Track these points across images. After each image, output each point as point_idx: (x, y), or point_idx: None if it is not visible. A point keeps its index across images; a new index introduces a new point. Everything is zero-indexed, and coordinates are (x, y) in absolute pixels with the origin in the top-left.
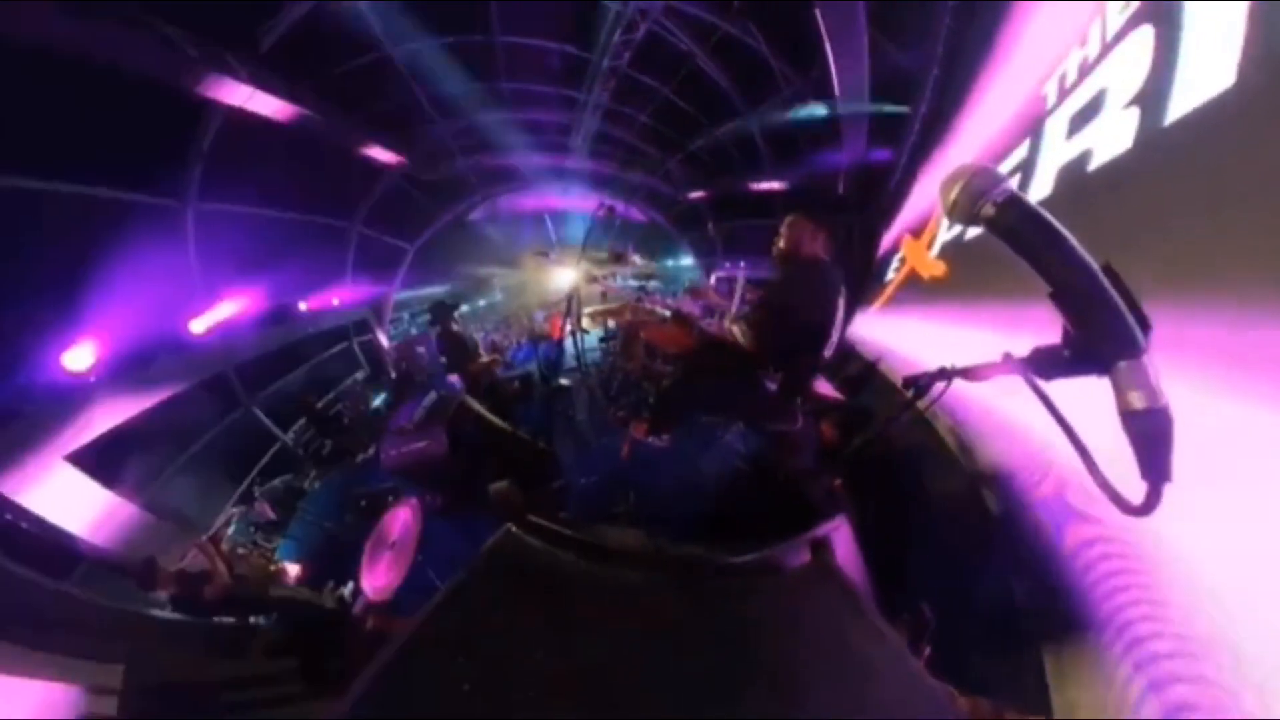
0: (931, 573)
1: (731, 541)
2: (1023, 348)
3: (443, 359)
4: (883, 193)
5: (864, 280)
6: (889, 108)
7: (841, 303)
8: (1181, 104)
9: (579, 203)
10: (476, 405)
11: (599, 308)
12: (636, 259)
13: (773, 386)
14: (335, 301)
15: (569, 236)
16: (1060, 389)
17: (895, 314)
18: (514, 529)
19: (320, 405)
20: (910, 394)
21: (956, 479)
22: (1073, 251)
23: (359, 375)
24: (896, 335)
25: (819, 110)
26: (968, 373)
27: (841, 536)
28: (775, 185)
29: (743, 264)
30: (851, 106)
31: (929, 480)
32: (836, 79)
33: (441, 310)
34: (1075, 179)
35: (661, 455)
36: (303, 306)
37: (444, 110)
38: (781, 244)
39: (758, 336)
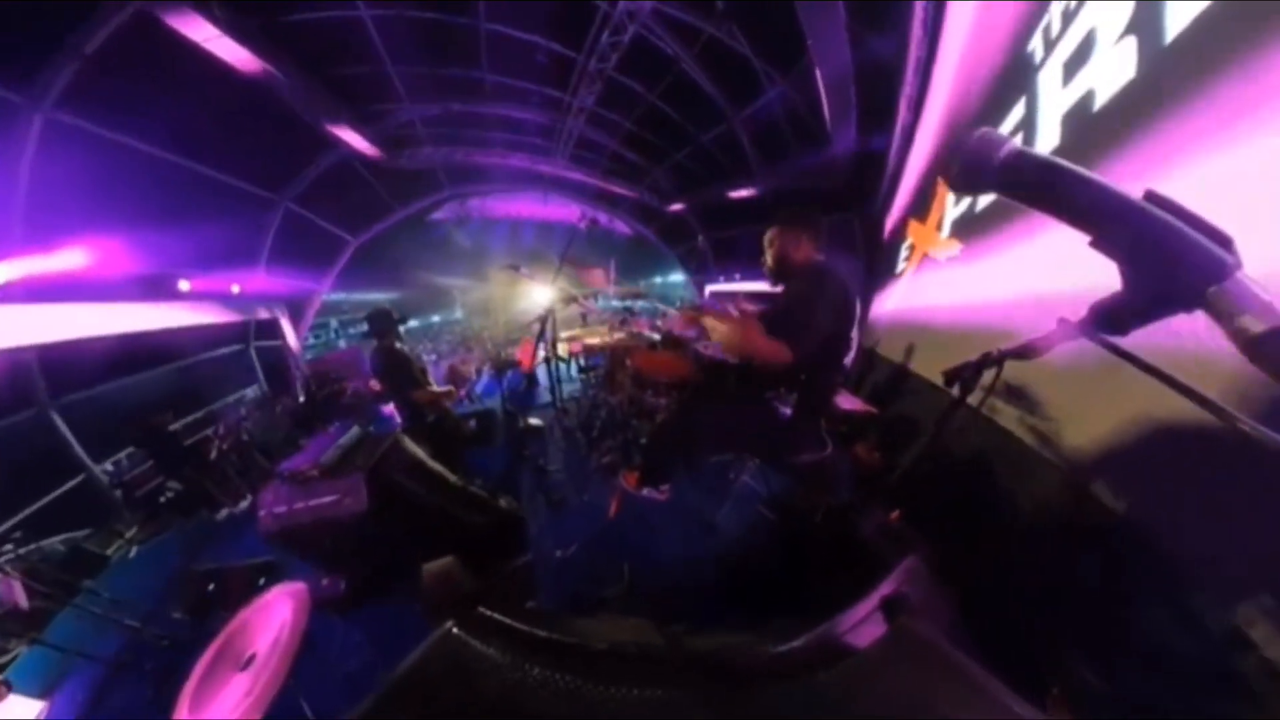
0: (1059, 618)
1: (772, 621)
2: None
3: (377, 383)
4: (880, 181)
5: (875, 274)
6: (875, 94)
7: (855, 303)
8: (1180, 18)
9: (558, 212)
10: (415, 448)
11: (578, 332)
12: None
13: (788, 411)
14: (235, 289)
15: (546, 249)
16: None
17: (909, 301)
18: (456, 629)
19: (174, 427)
20: (956, 390)
21: (1049, 480)
22: (1103, 190)
23: (250, 392)
24: (920, 326)
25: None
26: (1020, 351)
27: (919, 587)
28: (767, 189)
29: (738, 275)
30: (837, 98)
31: (1014, 491)
32: (820, 73)
33: (384, 321)
34: (1083, 121)
35: (662, 511)
36: (184, 285)
37: (417, 92)
38: (769, 260)
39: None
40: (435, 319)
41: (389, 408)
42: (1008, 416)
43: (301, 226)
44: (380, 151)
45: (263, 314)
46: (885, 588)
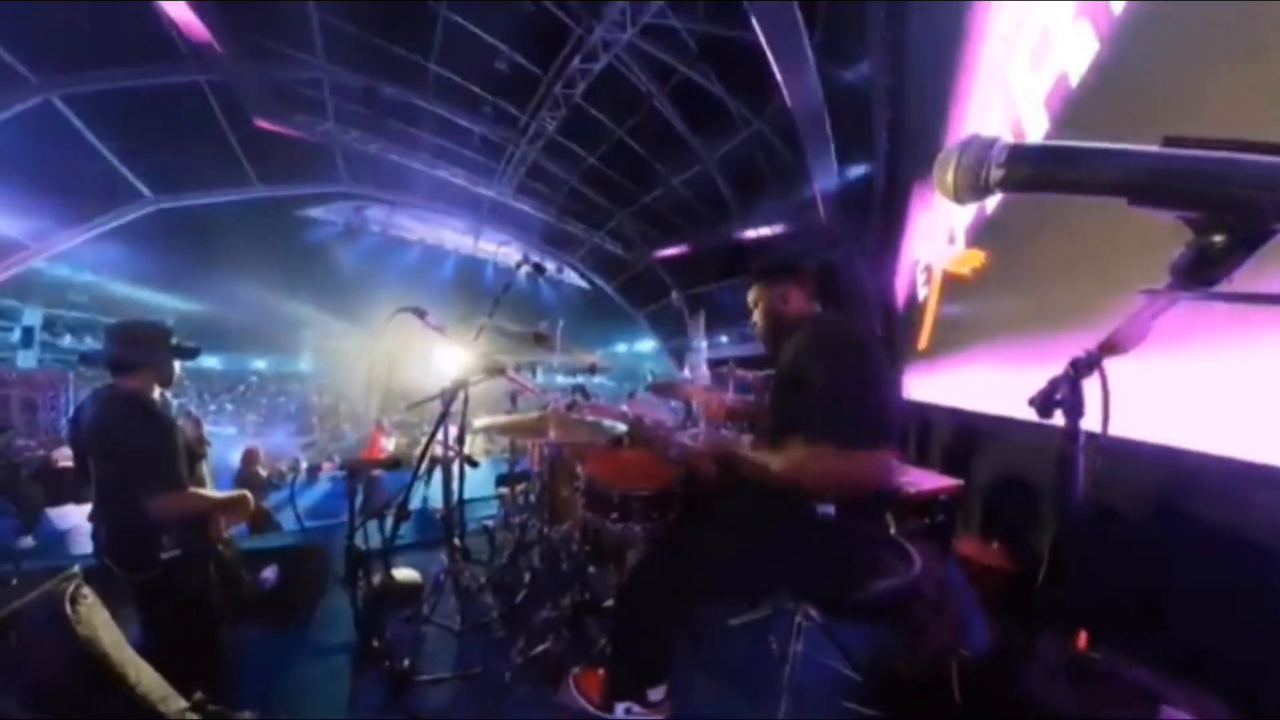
0: None
1: None
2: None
3: (72, 456)
4: (870, 211)
5: (893, 310)
6: (852, 125)
7: (876, 349)
8: None
9: (493, 249)
10: (98, 618)
11: (502, 420)
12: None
13: (830, 510)
14: None
15: (469, 296)
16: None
17: (944, 331)
18: None
19: None
20: (1061, 417)
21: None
22: (1116, 153)
23: None
24: (971, 353)
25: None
26: (1115, 343)
27: None
28: (749, 234)
29: (725, 339)
30: (812, 134)
31: (1234, 526)
32: (793, 110)
33: (143, 342)
34: (1067, 100)
35: None
36: None
37: (340, 52)
38: (758, 322)
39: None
40: (259, 365)
41: (67, 509)
42: (1155, 429)
43: (66, 141)
44: (261, 100)
45: None
46: None
